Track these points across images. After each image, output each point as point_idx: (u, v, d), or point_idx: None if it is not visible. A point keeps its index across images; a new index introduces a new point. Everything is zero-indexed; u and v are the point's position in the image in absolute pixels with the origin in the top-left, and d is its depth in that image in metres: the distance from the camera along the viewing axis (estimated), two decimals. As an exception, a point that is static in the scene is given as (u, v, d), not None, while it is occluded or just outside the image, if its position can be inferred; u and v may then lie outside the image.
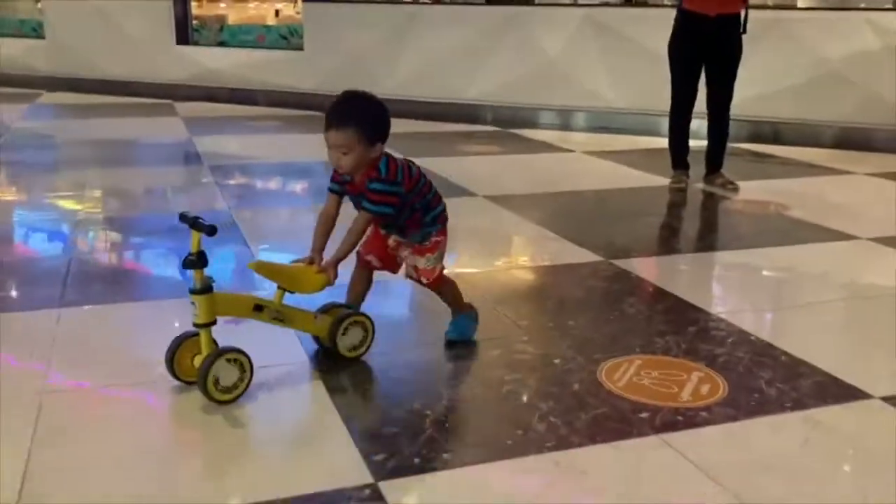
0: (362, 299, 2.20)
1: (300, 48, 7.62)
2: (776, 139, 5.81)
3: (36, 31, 8.97)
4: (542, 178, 4.79)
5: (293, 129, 6.52)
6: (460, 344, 2.25)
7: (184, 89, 8.08)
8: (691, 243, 3.43)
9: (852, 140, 5.66)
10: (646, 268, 3.00)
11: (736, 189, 4.21)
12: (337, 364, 2.09)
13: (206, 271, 1.84)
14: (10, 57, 8.90)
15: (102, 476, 1.59)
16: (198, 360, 1.86)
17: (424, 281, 2.17)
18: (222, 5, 8.37)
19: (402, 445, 1.70)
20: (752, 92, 5.25)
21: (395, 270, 2.23)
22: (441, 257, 2.16)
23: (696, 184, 4.36)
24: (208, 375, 1.80)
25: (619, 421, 1.83)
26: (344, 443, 1.72)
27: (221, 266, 2.99)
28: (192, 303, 1.81)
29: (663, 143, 4.59)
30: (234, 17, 8.28)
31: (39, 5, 8.95)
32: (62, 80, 8.63)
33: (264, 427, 1.84)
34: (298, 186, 4.68)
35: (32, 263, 3.09)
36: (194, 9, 8.28)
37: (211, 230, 1.80)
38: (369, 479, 1.58)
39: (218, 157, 5.14)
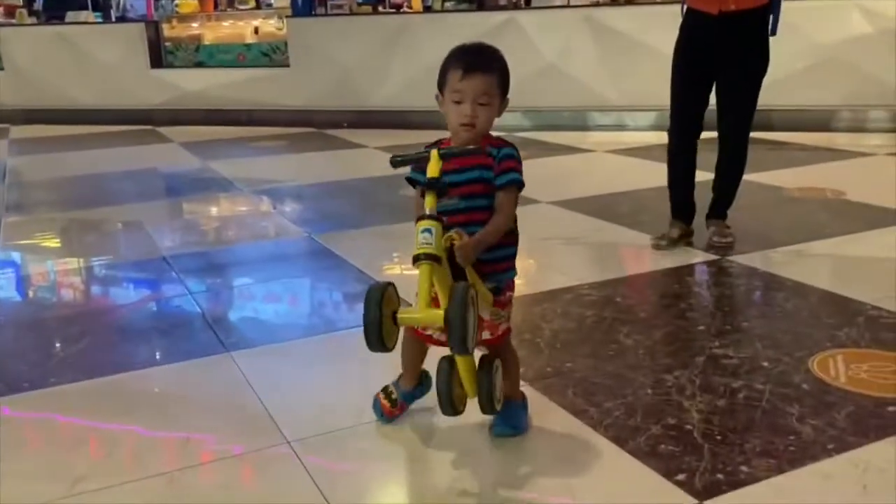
0: (422, 374, 1.94)
1: (285, 65, 7.50)
2: (780, 126, 6.01)
3: (-8, 63, 8.54)
4: (589, 179, 4.84)
5: (303, 148, 6.41)
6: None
7: (162, 113, 7.84)
8: (784, 236, 3.47)
9: (854, 121, 5.93)
10: (766, 262, 3.07)
11: (730, 246, 3.20)
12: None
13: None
14: (-36, 91, 8.46)
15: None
16: (405, 318, 1.53)
17: (487, 335, 1.75)
18: (194, 25, 8.14)
19: (699, 464, 1.71)
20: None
21: None
22: (508, 317, 1.80)
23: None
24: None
25: (878, 417, 1.88)
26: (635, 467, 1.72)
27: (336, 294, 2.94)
28: (426, 229, 1.52)
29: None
30: (209, 36, 8.06)
31: (-6, 35, 8.54)
32: (25, 112, 8.26)
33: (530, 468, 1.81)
34: (366, 204, 4.51)
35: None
36: (166, 31, 8.04)
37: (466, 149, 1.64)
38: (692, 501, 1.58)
39: (252, 183, 5.02)
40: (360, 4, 7.38)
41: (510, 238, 1.74)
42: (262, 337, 2.56)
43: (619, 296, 2.78)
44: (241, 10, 8.03)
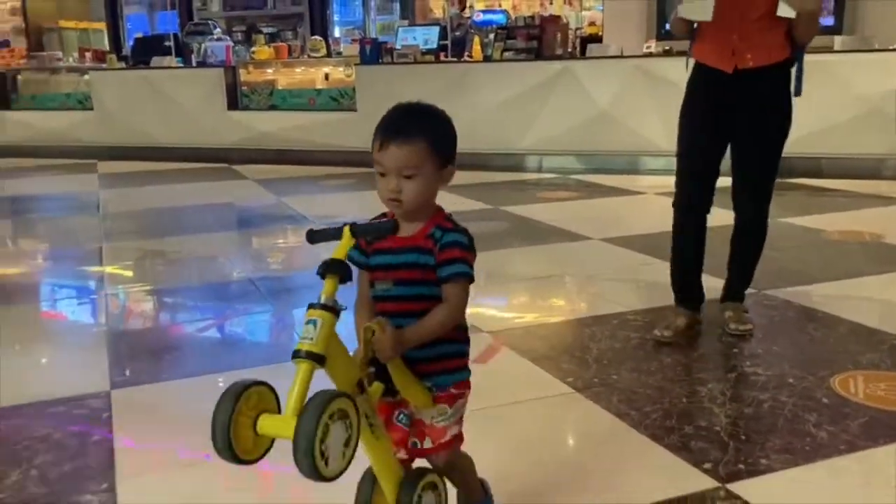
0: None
1: (352, 109, 7.98)
2: (829, 174, 6.22)
3: (82, 104, 9.24)
4: (639, 219, 5.12)
5: (368, 186, 6.82)
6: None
7: (237, 152, 8.38)
8: (820, 274, 3.68)
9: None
10: (800, 297, 3.31)
11: (748, 333, 2.83)
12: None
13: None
14: (58, 129, 9.16)
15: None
16: (265, 424, 1.23)
17: (428, 444, 1.49)
18: (269, 71, 8.71)
19: (724, 456, 1.98)
20: (803, 132, 5.68)
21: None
22: (458, 420, 1.52)
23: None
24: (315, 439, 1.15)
25: (889, 427, 2.13)
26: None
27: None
28: (311, 321, 1.26)
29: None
30: (283, 82, 8.62)
31: (86, 77, 9.24)
32: (110, 150, 8.88)
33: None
34: None
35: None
36: (243, 76, 8.62)
37: (389, 228, 1.40)
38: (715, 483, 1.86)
39: (323, 216, 5.42)
40: (423, 54, 7.83)
41: (457, 334, 1.50)
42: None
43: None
44: (313, 57, 8.56)
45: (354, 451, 1.22)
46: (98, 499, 1.89)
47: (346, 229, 1.36)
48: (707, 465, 1.94)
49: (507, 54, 7.41)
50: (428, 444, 1.49)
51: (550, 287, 3.71)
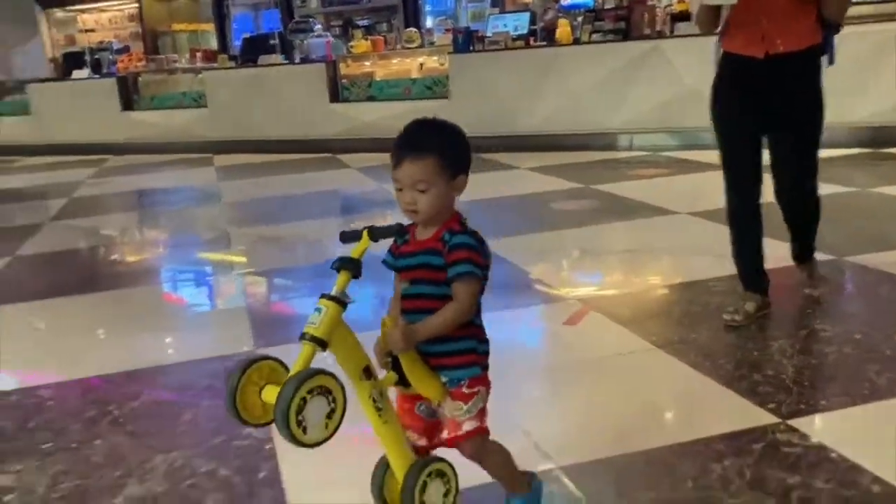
0: None
1: (445, 96, 8.35)
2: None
3: (197, 101, 9.95)
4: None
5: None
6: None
7: (339, 142, 8.88)
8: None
9: None
10: (880, 263, 3.46)
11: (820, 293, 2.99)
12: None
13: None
14: (176, 127, 9.91)
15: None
16: (266, 394, 1.42)
17: (446, 435, 1.61)
18: (367, 63, 9.17)
19: (787, 398, 2.25)
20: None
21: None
22: (477, 415, 1.60)
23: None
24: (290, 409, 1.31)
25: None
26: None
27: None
28: (318, 308, 1.44)
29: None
30: (380, 73, 9.07)
31: (200, 77, 9.95)
32: (224, 144, 9.55)
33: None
34: (521, 216, 5.20)
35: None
36: (342, 69, 9.11)
37: (396, 231, 1.57)
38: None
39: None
40: (514, 40, 8.10)
41: (466, 331, 1.57)
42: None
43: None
44: (408, 48, 8.95)
45: (339, 423, 1.37)
46: (255, 432, 2.31)
47: (365, 233, 1.52)
48: (771, 406, 2.21)
49: (595, 36, 7.60)
50: (445, 434, 1.61)
51: (636, 258, 3.98)
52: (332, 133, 8.94)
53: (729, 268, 3.45)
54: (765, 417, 2.15)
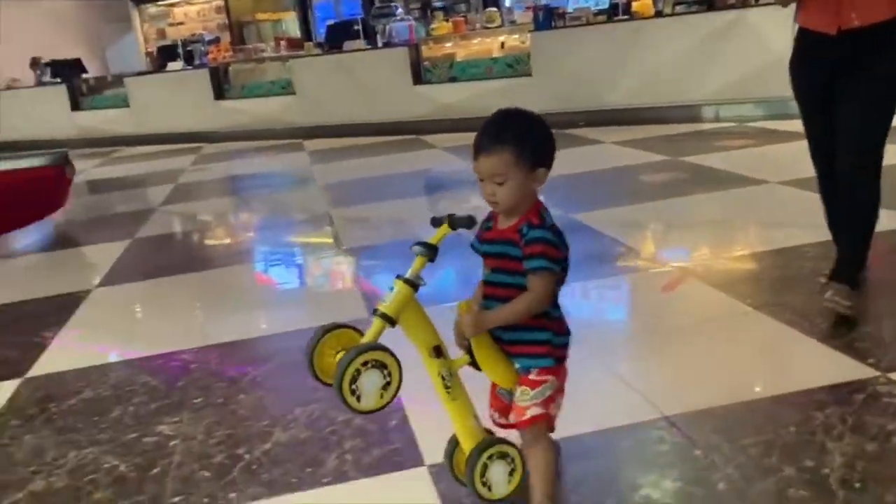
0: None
1: (527, 74, 8.45)
2: None
3: (285, 89, 10.31)
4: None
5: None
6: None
7: (423, 124, 9.10)
8: None
9: None
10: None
11: (848, 313, 2.59)
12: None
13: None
14: (266, 114, 10.30)
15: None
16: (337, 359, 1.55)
17: (511, 418, 1.68)
18: (448, 45, 9.34)
19: (886, 354, 2.34)
20: None
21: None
22: (543, 402, 1.64)
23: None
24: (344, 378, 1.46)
25: None
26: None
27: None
28: (391, 287, 1.58)
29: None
30: (461, 54, 9.23)
31: (287, 64, 10.30)
32: (312, 129, 9.89)
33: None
34: (609, 189, 5.32)
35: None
36: (425, 51, 9.31)
37: (468, 223, 1.61)
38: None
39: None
40: (595, 14, 8.14)
41: (541, 322, 1.62)
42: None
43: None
44: (489, 28, 9.08)
45: (395, 395, 1.51)
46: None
47: (446, 222, 1.61)
48: (870, 361, 2.30)
49: (678, 8, 7.58)
50: (511, 418, 1.68)
51: (728, 226, 4.06)
52: (416, 115, 9.16)
53: (822, 234, 3.51)
54: (864, 371, 2.25)
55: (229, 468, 2.16)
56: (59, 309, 3.82)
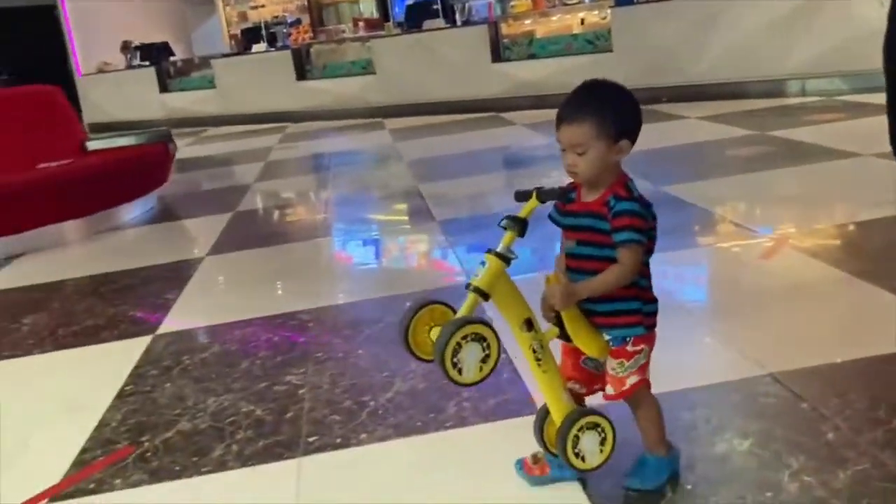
0: None
1: (608, 50, 8.45)
2: None
3: (366, 69, 10.53)
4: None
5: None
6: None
7: (501, 101, 9.19)
8: None
9: None
10: None
11: None
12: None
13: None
14: (347, 93, 10.55)
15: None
16: (432, 334, 1.56)
17: (610, 391, 1.71)
18: (527, 22, 9.39)
19: None
20: None
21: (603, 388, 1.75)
22: (639, 369, 1.68)
23: None
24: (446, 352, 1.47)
25: None
26: None
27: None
28: (483, 262, 1.58)
29: None
30: (541, 31, 9.28)
31: (368, 45, 10.51)
32: (392, 108, 10.09)
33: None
34: (697, 163, 5.36)
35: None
36: (504, 29, 9.39)
37: (558, 195, 1.62)
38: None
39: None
40: (678, -11, 8.06)
41: (631, 292, 1.63)
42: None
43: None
44: (569, 4, 9.10)
45: (494, 367, 1.52)
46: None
47: (534, 194, 1.59)
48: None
49: (764, -19, 7.46)
50: (610, 391, 1.70)
51: (822, 197, 4.07)
52: (494, 93, 9.26)
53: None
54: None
55: (357, 413, 2.35)
56: (176, 274, 4.10)
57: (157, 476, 2.15)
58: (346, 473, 2.07)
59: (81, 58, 13.48)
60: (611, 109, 1.58)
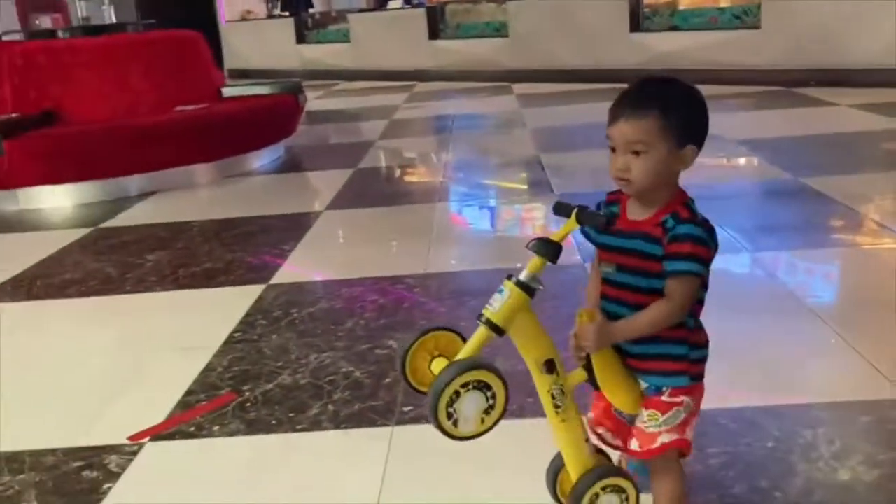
0: None
1: (756, 27, 7.95)
2: None
3: (499, 31, 10.38)
4: None
5: (772, 105, 6.91)
6: None
7: (636, 73, 8.77)
8: None
9: None
10: None
11: None
12: None
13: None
14: (478, 55, 10.44)
15: None
16: (434, 366, 1.35)
17: (635, 446, 1.40)
18: (672, -9, 8.97)
19: None
20: None
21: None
22: (678, 426, 1.38)
23: None
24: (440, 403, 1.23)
25: None
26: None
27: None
28: (501, 290, 1.31)
29: None
30: (685, 1, 8.84)
31: (504, 7, 10.33)
32: (523, 73, 9.91)
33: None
34: (844, 155, 4.96)
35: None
36: (645, -3, 9.01)
37: (602, 223, 1.30)
38: None
39: (727, 136, 5.71)
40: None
41: (678, 333, 1.35)
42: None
43: None
44: (718, -26, 8.61)
45: (497, 420, 1.26)
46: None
47: (574, 214, 1.31)
48: None
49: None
50: (635, 446, 1.40)
51: None
52: (629, 63, 8.90)
53: None
54: None
55: (455, 387, 2.31)
56: (295, 225, 4.18)
57: (253, 427, 2.19)
58: (436, 447, 2.03)
59: (227, 4, 13.94)
60: (677, 108, 1.31)
